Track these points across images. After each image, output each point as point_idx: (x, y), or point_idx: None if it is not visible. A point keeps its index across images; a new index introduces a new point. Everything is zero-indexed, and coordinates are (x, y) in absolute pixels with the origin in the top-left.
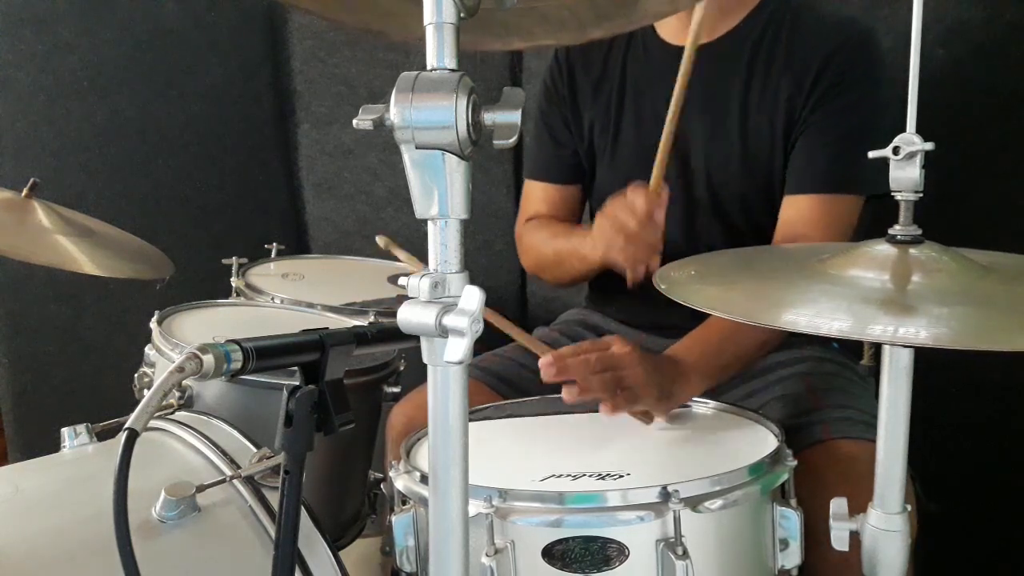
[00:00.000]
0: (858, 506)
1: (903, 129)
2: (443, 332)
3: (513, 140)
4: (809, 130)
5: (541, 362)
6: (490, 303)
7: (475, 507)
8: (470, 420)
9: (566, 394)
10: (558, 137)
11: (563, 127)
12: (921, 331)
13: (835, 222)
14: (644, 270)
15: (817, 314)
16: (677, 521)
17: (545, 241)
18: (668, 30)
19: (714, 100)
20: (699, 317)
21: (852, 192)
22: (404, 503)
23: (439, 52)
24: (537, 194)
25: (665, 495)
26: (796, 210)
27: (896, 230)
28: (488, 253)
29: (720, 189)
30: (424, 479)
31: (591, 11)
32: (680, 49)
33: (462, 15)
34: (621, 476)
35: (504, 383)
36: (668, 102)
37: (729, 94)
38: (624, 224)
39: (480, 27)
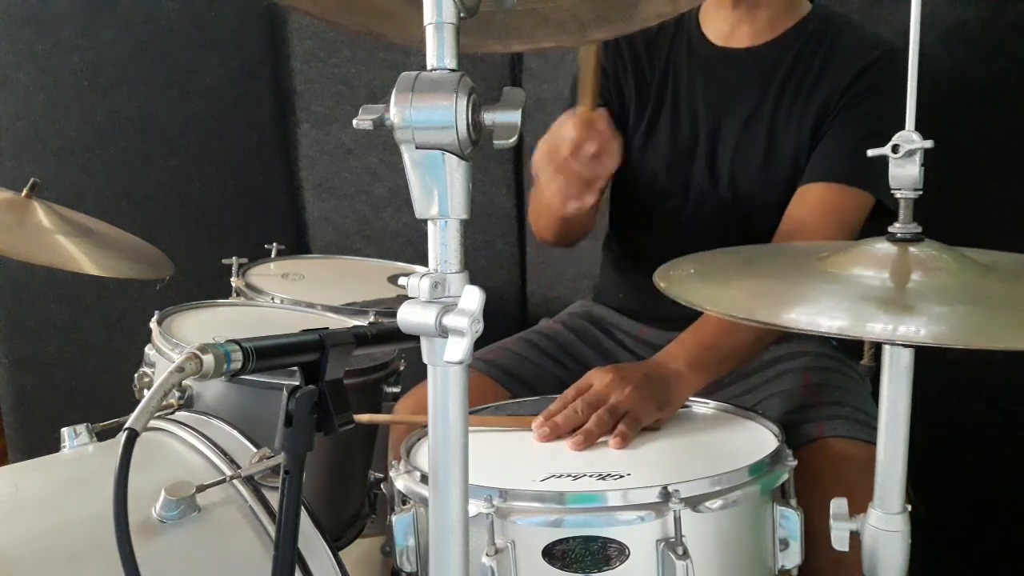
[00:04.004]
0: (856, 503)
1: (903, 127)
2: (443, 332)
3: (513, 140)
4: (830, 131)
5: (533, 428)
6: (490, 303)
7: (475, 507)
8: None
9: (571, 445)
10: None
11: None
12: (921, 330)
13: (842, 214)
14: (576, 204)
15: (817, 312)
16: (677, 521)
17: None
18: (714, 31)
19: (747, 102)
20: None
21: (863, 187)
22: (404, 503)
23: (439, 52)
24: None
25: (665, 495)
26: (806, 198)
27: (896, 228)
28: (488, 253)
29: (743, 189)
30: (424, 479)
31: (591, 13)
32: (724, 50)
33: (462, 15)
34: (621, 476)
35: (509, 376)
36: (705, 100)
37: (763, 99)
38: (555, 153)
39: (480, 29)
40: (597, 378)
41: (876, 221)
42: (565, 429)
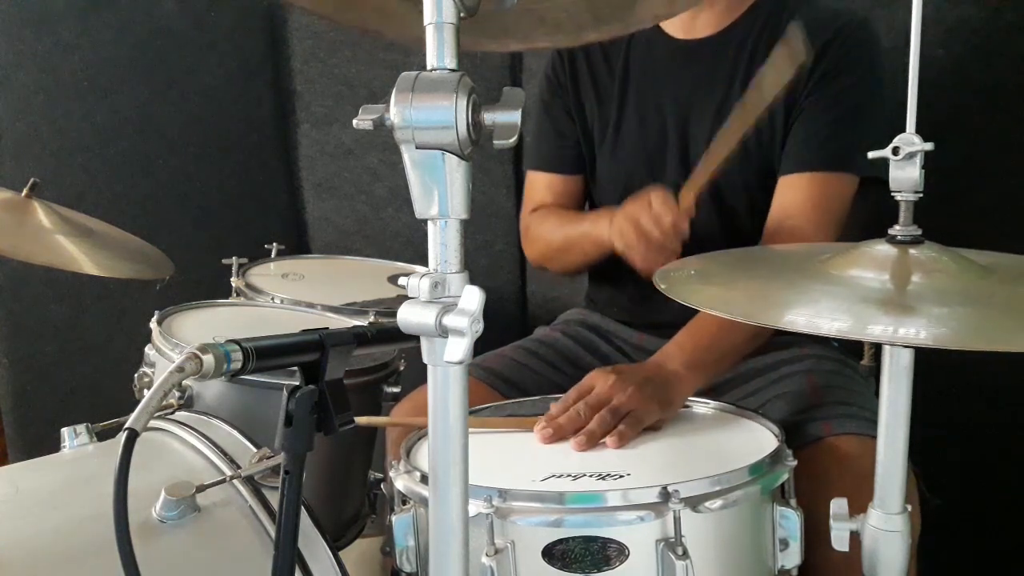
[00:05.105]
0: (860, 502)
1: (903, 129)
2: (443, 332)
3: (513, 140)
4: (804, 113)
5: (535, 431)
6: (490, 303)
7: (475, 507)
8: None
9: (573, 445)
10: (561, 128)
11: (566, 117)
12: (921, 331)
13: (829, 202)
14: (662, 267)
15: (817, 314)
16: (677, 521)
17: (554, 229)
18: (670, 23)
19: (714, 94)
20: None
21: (846, 171)
22: (404, 503)
23: (439, 52)
24: (541, 184)
25: (665, 495)
26: (790, 189)
27: (896, 230)
28: (488, 253)
29: (721, 182)
30: (424, 479)
31: (588, 14)
32: (683, 43)
33: (462, 15)
34: (621, 476)
35: (506, 383)
36: (671, 96)
37: (730, 88)
38: (647, 232)
39: (477, 28)
40: (599, 380)
41: (870, 203)
42: (568, 431)
